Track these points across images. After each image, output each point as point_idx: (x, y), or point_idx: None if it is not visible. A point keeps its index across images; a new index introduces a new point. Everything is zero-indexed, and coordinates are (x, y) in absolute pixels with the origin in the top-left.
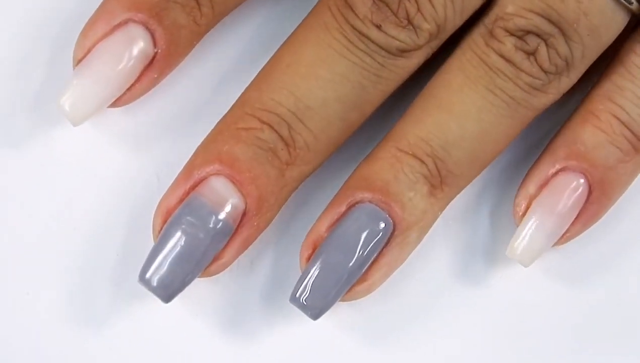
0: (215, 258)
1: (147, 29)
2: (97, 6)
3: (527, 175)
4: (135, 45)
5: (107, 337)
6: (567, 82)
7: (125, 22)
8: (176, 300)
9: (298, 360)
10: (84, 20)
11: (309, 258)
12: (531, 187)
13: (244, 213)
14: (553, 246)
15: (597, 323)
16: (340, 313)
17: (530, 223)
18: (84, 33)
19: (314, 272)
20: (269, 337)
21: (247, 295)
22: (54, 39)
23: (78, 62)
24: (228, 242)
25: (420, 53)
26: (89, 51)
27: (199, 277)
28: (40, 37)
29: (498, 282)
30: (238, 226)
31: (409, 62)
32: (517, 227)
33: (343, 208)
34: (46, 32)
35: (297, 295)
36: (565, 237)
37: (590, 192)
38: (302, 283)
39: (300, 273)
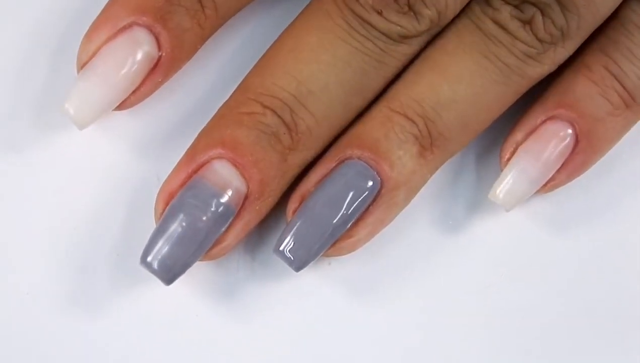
0: (217, 242)
1: (152, 32)
2: (99, 9)
3: (516, 123)
4: (139, 49)
5: (107, 332)
6: (562, 52)
7: (129, 26)
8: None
9: (281, 314)
10: (87, 23)
11: (295, 211)
12: (519, 134)
13: (246, 197)
14: (537, 193)
15: (579, 269)
16: (324, 269)
17: (514, 168)
18: (88, 37)
19: (299, 224)
20: (255, 294)
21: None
22: (57, 42)
23: (82, 65)
24: (229, 226)
25: (421, 39)
26: (93, 55)
27: (200, 261)
28: (43, 39)
29: (483, 230)
30: (240, 210)
31: (410, 48)
32: (502, 172)
33: (332, 164)
34: (49, 35)
35: (281, 247)
36: (549, 186)
37: (577, 143)
38: (286, 236)
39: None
